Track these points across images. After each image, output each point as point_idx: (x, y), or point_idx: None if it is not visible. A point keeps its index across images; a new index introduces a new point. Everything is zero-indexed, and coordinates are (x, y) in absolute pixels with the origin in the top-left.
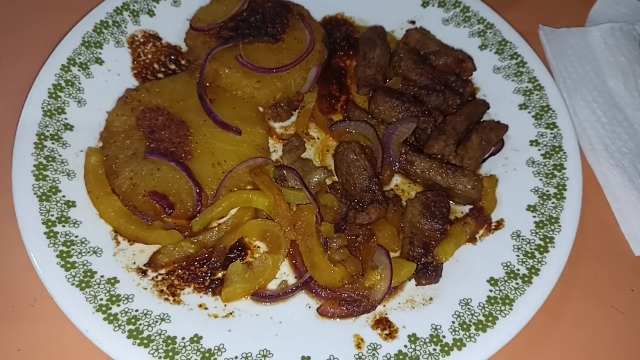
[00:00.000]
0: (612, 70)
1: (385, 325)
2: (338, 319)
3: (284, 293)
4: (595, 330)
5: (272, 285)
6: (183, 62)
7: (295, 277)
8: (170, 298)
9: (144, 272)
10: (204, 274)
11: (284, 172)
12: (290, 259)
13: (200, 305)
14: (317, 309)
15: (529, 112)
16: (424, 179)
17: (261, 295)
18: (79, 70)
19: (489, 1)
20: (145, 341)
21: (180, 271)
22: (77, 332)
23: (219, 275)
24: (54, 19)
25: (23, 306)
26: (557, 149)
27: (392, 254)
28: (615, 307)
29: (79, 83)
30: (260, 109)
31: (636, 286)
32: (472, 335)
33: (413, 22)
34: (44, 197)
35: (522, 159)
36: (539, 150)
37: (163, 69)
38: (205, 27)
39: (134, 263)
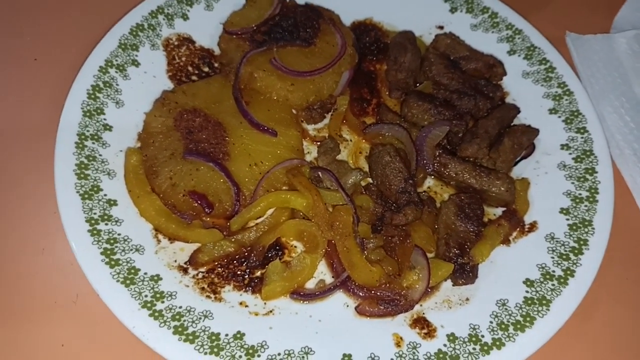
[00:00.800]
0: (639, 76)
1: (423, 325)
2: (376, 318)
3: (322, 292)
4: (626, 332)
5: (310, 284)
6: (216, 64)
7: (333, 277)
8: (212, 295)
9: (185, 270)
10: (243, 273)
11: (319, 173)
12: (327, 258)
13: (240, 303)
14: (355, 308)
15: (559, 117)
16: (458, 181)
17: (300, 294)
18: (116, 72)
19: (516, 7)
20: (191, 337)
21: (220, 269)
22: (119, 328)
23: (258, 274)
24: (87, 21)
25: (65, 303)
26: (588, 153)
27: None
28: None
29: (117, 84)
30: (294, 111)
31: None
32: (510, 335)
33: (441, 28)
34: (86, 196)
35: (553, 163)
36: (570, 154)
37: (197, 72)
38: (239, 31)
39: (175, 261)
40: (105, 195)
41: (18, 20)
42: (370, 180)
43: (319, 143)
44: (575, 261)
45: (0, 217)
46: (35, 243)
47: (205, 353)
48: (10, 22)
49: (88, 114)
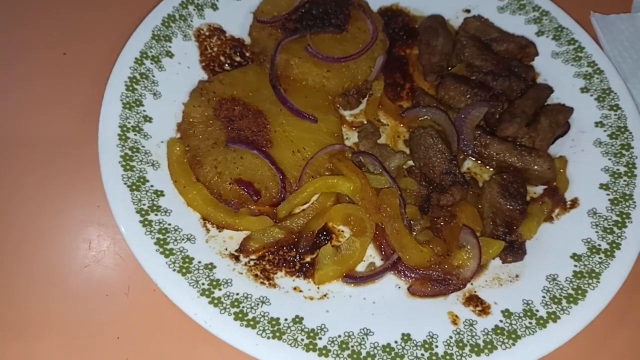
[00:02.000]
0: None
1: (477, 302)
2: (429, 298)
3: (373, 274)
4: None
5: (360, 268)
6: (247, 54)
7: (382, 259)
8: (266, 282)
9: (236, 258)
10: (293, 258)
11: (361, 158)
12: (375, 241)
13: (294, 288)
14: (408, 289)
15: (591, 95)
16: (499, 161)
17: (352, 277)
18: (151, 63)
19: None
20: (252, 322)
21: (270, 256)
22: (173, 318)
23: (307, 259)
24: (113, 14)
25: (117, 295)
26: (622, 130)
27: None
28: None
29: (153, 76)
30: (330, 97)
31: None
32: (564, 308)
33: (468, 11)
34: (134, 187)
35: (589, 140)
36: (605, 131)
37: (229, 61)
38: (271, 20)
39: (226, 249)
40: (152, 186)
41: (45, 14)
42: (411, 163)
43: (356, 128)
44: (619, 234)
45: (45, 213)
46: (82, 238)
47: (268, 338)
48: (37, 17)
49: (128, 105)
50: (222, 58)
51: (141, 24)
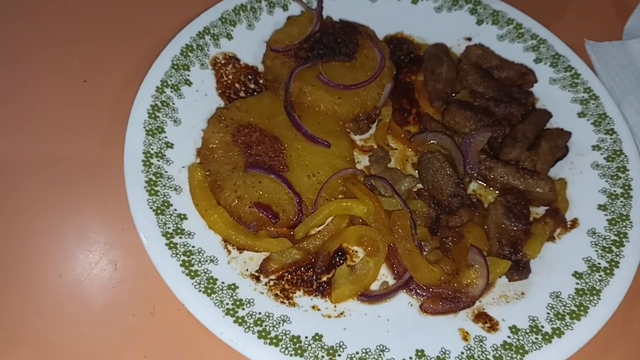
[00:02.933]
0: None
1: (485, 319)
2: (440, 315)
3: (387, 293)
4: None
5: (374, 287)
6: (261, 81)
7: (394, 278)
8: (286, 301)
9: (257, 278)
10: (310, 278)
11: (372, 181)
12: (387, 261)
13: (313, 307)
14: (420, 306)
15: (588, 120)
16: (503, 183)
17: (367, 296)
18: (171, 91)
19: (536, 18)
20: (275, 341)
21: (288, 276)
22: (199, 336)
23: (324, 279)
24: (131, 43)
25: (144, 315)
26: (618, 153)
27: None
28: None
29: (173, 103)
30: (341, 122)
31: None
32: (568, 324)
33: (469, 39)
34: (159, 211)
35: (586, 163)
36: (601, 154)
37: (244, 88)
38: (283, 48)
39: (247, 270)
40: (175, 210)
41: (65, 43)
42: (420, 185)
43: (366, 152)
44: (617, 253)
45: (70, 236)
46: (108, 260)
47: (291, 355)
48: (57, 45)
49: (150, 132)
50: (237, 85)
51: (161, 54)
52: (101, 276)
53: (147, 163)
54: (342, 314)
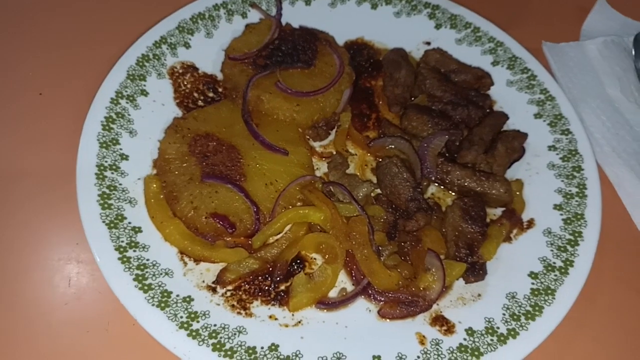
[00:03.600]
0: (610, 79)
1: (442, 322)
2: (398, 320)
3: (345, 299)
4: (625, 312)
5: (332, 294)
6: (220, 89)
7: (353, 284)
8: (242, 312)
9: (213, 290)
10: (268, 287)
11: (331, 187)
12: (346, 267)
13: (270, 317)
14: (378, 312)
15: (544, 121)
16: (460, 186)
17: (325, 303)
18: (127, 102)
19: (494, 21)
20: (229, 352)
21: (246, 286)
22: (154, 351)
23: (282, 287)
24: (89, 54)
25: (98, 331)
26: (573, 153)
27: None
28: (637, 290)
29: (129, 114)
30: (300, 129)
31: None
32: (523, 324)
33: (428, 43)
34: (112, 225)
35: (543, 163)
36: (557, 154)
37: (202, 97)
38: (241, 57)
39: (203, 281)
40: (129, 223)
41: (20, 55)
42: (379, 191)
43: (326, 159)
44: (572, 252)
45: (22, 252)
46: (61, 275)
47: None
48: (12, 57)
49: (104, 145)
50: (195, 94)
51: (116, 65)
52: (55, 292)
53: (101, 176)
54: (299, 322)
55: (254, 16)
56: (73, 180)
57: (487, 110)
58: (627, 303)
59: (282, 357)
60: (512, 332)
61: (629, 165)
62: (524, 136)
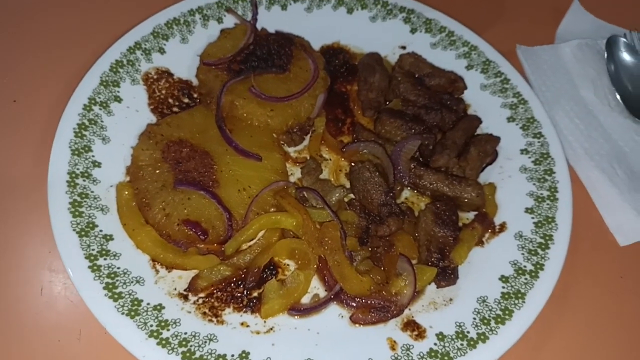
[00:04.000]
0: (583, 81)
1: (413, 327)
2: (370, 325)
3: (317, 305)
4: (595, 312)
5: (305, 300)
6: (195, 95)
7: (325, 290)
8: (214, 319)
9: (185, 297)
10: (241, 294)
11: (304, 193)
12: (319, 273)
13: (242, 324)
14: (350, 317)
15: (517, 124)
16: (432, 190)
17: (297, 310)
18: (100, 109)
19: (470, 25)
20: None
21: (218, 293)
22: None
23: (255, 294)
24: (64, 60)
25: (69, 340)
26: (545, 156)
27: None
28: (609, 292)
29: (102, 121)
30: (274, 135)
31: (624, 273)
32: (493, 328)
33: (404, 47)
34: (82, 233)
35: (515, 167)
36: (529, 157)
37: (177, 103)
38: (216, 62)
39: (175, 289)
40: (101, 231)
41: None
42: (352, 196)
43: (300, 164)
44: (543, 255)
45: None
46: (33, 284)
47: None
48: None
49: (76, 152)
50: (170, 100)
51: (89, 71)
52: (26, 302)
53: (72, 184)
54: (271, 329)
55: (229, 21)
56: (44, 188)
57: (461, 114)
58: (599, 305)
59: None
60: (482, 337)
61: (601, 167)
62: (496, 140)
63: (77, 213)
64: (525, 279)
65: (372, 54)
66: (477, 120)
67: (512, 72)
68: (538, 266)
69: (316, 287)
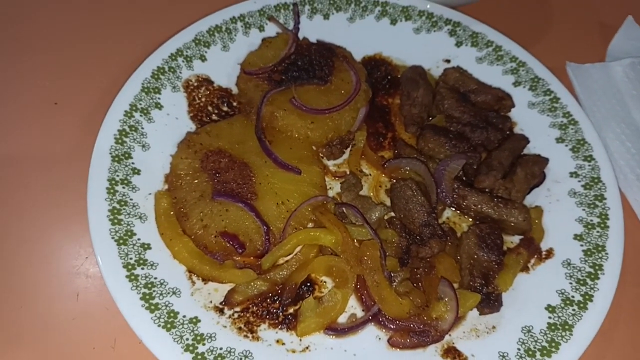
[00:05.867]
0: (636, 103)
1: (454, 354)
2: (408, 350)
3: (354, 326)
4: None
5: (342, 319)
6: (234, 104)
7: (363, 310)
8: (249, 335)
9: (221, 311)
10: (276, 310)
11: (344, 209)
12: (356, 292)
13: (277, 341)
14: (388, 340)
15: (566, 146)
16: (476, 212)
17: (333, 329)
18: (140, 115)
19: (516, 39)
20: None
21: (254, 308)
22: None
23: (291, 310)
24: (105, 65)
25: (104, 348)
26: (596, 180)
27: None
28: None
29: (142, 128)
30: (314, 148)
31: None
32: None
33: (448, 61)
34: (121, 241)
35: (563, 190)
36: (579, 181)
37: (216, 111)
38: (257, 71)
39: (211, 302)
40: (139, 239)
41: (36, 64)
42: (392, 214)
43: (339, 178)
44: (592, 286)
45: (32, 264)
46: (70, 290)
47: None
48: (29, 67)
49: (117, 158)
50: (209, 108)
51: (131, 77)
52: (62, 307)
53: (112, 190)
54: (307, 348)
55: (271, 30)
56: (83, 194)
57: (507, 133)
58: None
59: None
60: None
61: None
62: (544, 161)
63: (115, 221)
64: (573, 309)
65: (415, 67)
66: (525, 140)
67: (562, 90)
68: (587, 297)
69: (353, 307)
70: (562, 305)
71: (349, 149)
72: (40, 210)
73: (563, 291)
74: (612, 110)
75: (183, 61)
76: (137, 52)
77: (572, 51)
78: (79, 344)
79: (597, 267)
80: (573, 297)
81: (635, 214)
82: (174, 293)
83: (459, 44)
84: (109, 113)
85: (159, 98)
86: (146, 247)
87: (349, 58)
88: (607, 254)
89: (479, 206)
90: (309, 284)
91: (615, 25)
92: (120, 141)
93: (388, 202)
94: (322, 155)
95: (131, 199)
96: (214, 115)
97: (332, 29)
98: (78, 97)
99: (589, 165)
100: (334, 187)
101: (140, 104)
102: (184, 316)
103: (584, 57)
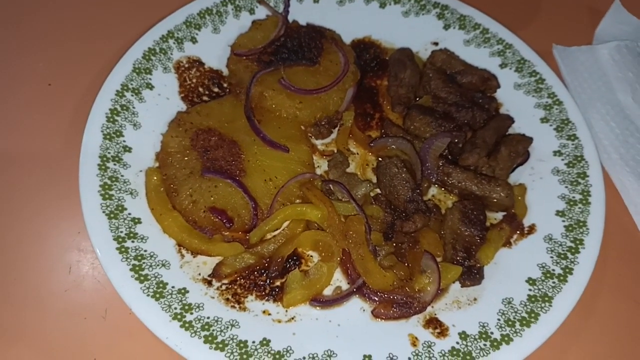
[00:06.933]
0: (621, 84)
1: (436, 325)
2: (391, 321)
3: (339, 298)
4: (624, 323)
5: (327, 291)
6: (225, 85)
7: (348, 283)
8: (236, 305)
9: (209, 282)
10: (263, 283)
11: (330, 186)
12: (342, 266)
13: (264, 312)
14: (372, 312)
15: (550, 125)
16: (460, 189)
17: (319, 301)
18: (132, 95)
19: (505, 22)
20: (221, 345)
21: (242, 280)
22: (149, 340)
23: (277, 283)
24: (97, 46)
25: (95, 318)
26: (579, 159)
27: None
28: (638, 300)
29: (133, 107)
30: (302, 127)
31: None
32: (517, 330)
33: (436, 44)
34: (112, 215)
35: (547, 169)
36: (562, 160)
37: (207, 92)
38: (247, 53)
39: (199, 274)
40: (129, 214)
41: (31, 46)
42: (378, 190)
43: (327, 157)
44: (572, 260)
45: (25, 239)
46: (62, 263)
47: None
48: (23, 48)
49: (108, 136)
50: (200, 89)
51: (123, 58)
52: (55, 279)
53: (103, 167)
54: (292, 318)
55: (261, 12)
56: (75, 171)
57: (493, 113)
58: (626, 314)
59: (272, 352)
60: (506, 338)
61: (636, 173)
62: (528, 140)
63: (107, 196)
64: (553, 282)
65: (403, 50)
66: (509, 120)
67: (548, 72)
68: (567, 270)
69: (339, 280)
70: (543, 278)
71: (336, 128)
72: (34, 187)
73: (544, 265)
74: (597, 91)
75: (174, 43)
76: (130, 34)
77: (560, 35)
78: (71, 315)
79: (577, 242)
80: (553, 270)
81: (618, 192)
82: (163, 265)
83: (446, 27)
84: (101, 92)
85: (150, 78)
86: (136, 221)
87: (337, 40)
88: (588, 229)
89: (463, 183)
90: (295, 258)
91: (603, 9)
92: (111, 120)
93: (374, 180)
94: (310, 134)
95: (122, 175)
96: (204, 96)
97: (322, 12)
98: (71, 78)
99: (573, 144)
100: (322, 166)
101: (131, 84)
102: (173, 287)
103: (572, 41)
